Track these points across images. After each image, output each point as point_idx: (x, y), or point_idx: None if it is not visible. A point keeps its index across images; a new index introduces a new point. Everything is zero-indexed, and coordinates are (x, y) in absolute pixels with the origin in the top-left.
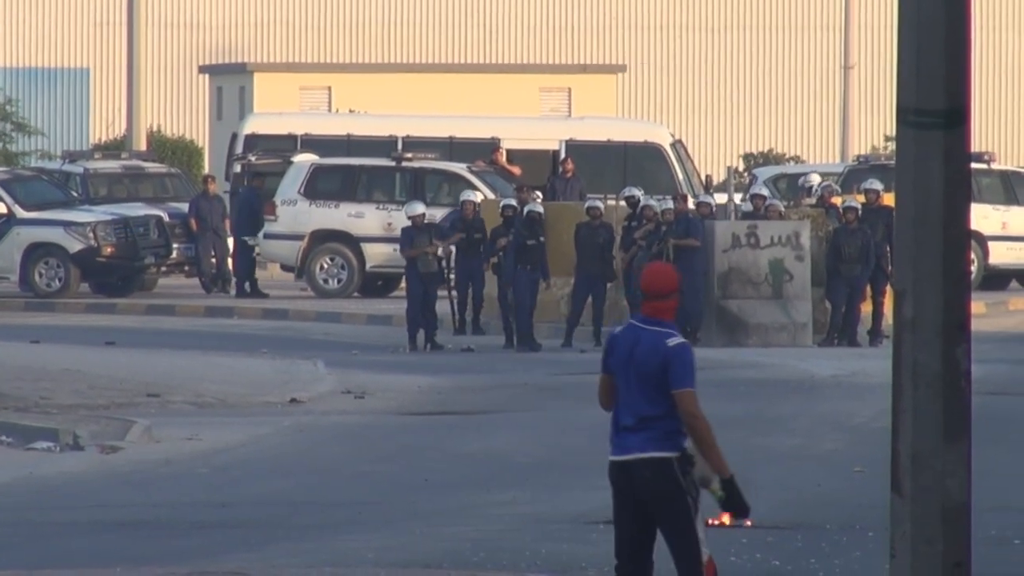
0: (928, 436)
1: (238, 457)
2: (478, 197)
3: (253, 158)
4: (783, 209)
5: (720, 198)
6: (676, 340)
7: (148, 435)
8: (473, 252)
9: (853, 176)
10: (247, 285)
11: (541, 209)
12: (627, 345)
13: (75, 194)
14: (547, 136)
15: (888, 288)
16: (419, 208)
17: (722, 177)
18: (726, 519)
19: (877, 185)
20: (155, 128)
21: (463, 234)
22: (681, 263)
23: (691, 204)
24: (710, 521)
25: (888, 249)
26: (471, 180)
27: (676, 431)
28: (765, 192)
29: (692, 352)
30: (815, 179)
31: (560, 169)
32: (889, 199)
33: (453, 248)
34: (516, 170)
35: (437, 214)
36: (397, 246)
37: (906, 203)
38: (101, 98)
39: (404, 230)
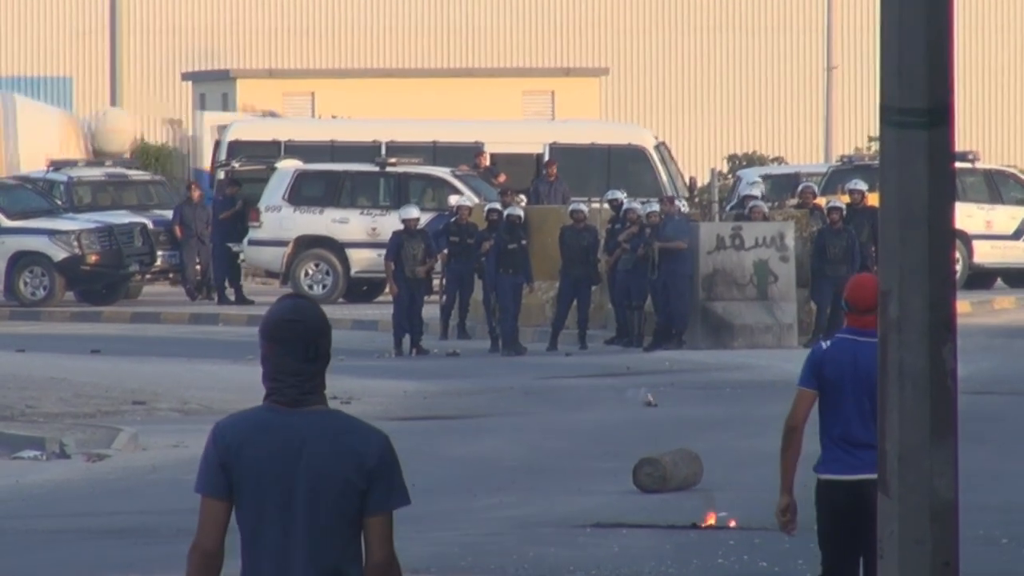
0: (915, 436)
1: None
2: (471, 202)
3: (237, 164)
4: (767, 210)
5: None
6: None
7: (134, 443)
8: (465, 257)
9: (837, 177)
10: (231, 292)
11: (521, 213)
12: (846, 359)
13: (59, 202)
14: (531, 140)
15: None
16: (414, 212)
17: (706, 179)
18: (712, 520)
19: (862, 185)
20: (138, 136)
21: (456, 237)
22: (666, 265)
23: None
24: (696, 524)
25: (873, 249)
26: (455, 184)
27: None
28: (758, 192)
29: None
30: (756, 191)
31: (544, 172)
32: (874, 199)
33: (446, 252)
34: (501, 177)
35: (422, 219)
36: (382, 251)
37: (890, 203)
38: (84, 106)
39: (394, 234)
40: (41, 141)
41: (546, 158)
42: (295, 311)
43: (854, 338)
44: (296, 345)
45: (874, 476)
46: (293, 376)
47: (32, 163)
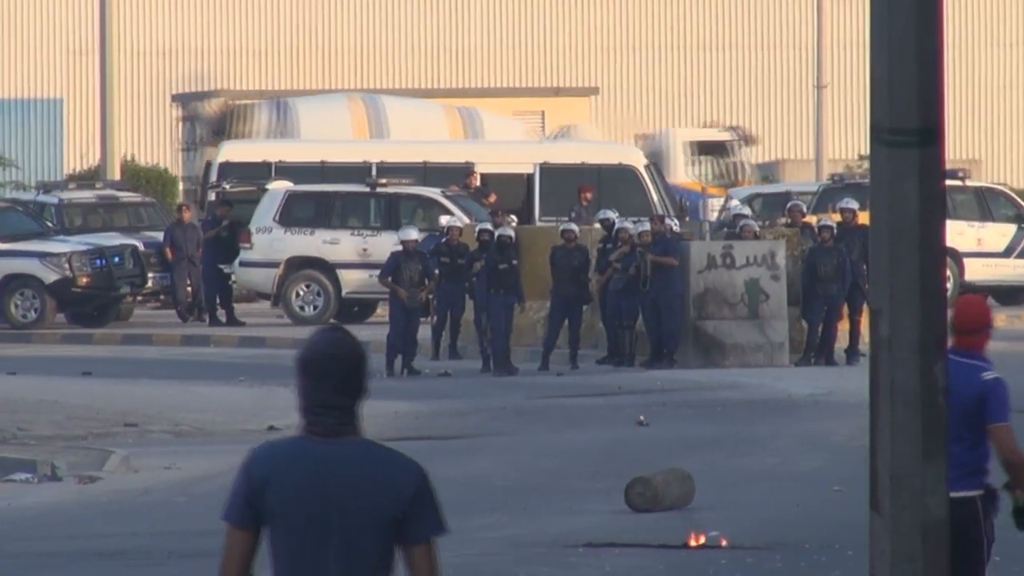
0: (906, 454)
1: (217, 485)
2: (461, 222)
3: (227, 186)
4: (758, 229)
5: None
6: (991, 374)
7: (126, 465)
8: (456, 277)
9: (828, 195)
10: (223, 314)
11: (512, 233)
12: None
13: (50, 225)
14: (521, 160)
15: (865, 306)
16: (412, 234)
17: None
18: (701, 539)
19: (853, 204)
20: (129, 157)
21: (447, 258)
22: (658, 282)
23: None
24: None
25: (865, 268)
26: (446, 205)
27: (979, 469)
28: (746, 212)
29: (1007, 387)
30: (735, 204)
31: (579, 197)
32: (865, 218)
33: (437, 272)
34: (492, 197)
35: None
36: (373, 272)
37: (881, 221)
38: (74, 128)
39: (393, 254)
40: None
41: (537, 177)
42: (334, 345)
43: (955, 359)
44: (334, 380)
45: (962, 494)
46: (331, 409)
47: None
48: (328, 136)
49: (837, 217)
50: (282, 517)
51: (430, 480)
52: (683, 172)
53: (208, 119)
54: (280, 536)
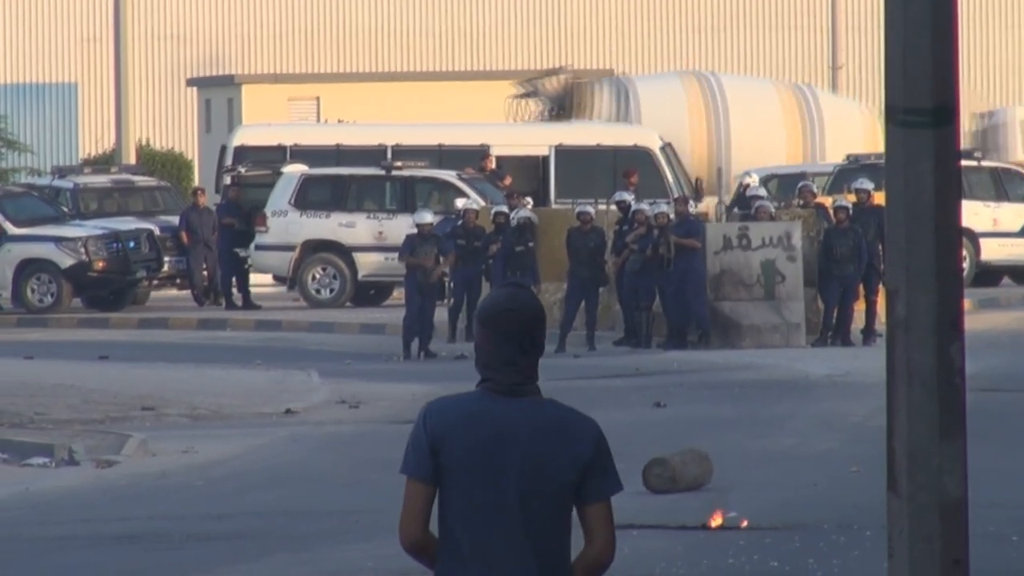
0: (924, 434)
1: (234, 469)
2: (477, 205)
3: (243, 170)
4: (773, 210)
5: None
6: None
7: (143, 449)
8: (472, 260)
9: (843, 176)
10: (239, 297)
11: (531, 215)
12: None
13: (65, 209)
14: (536, 142)
15: (881, 287)
16: (427, 217)
17: (712, 179)
18: (718, 519)
19: (868, 184)
20: (144, 142)
21: (463, 240)
22: (682, 264)
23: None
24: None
25: (881, 248)
26: (461, 187)
27: None
28: (763, 191)
29: None
30: (752, 180)
31: (624, 181)
32: (880, 198)
33: (453, 255)
34: (507, 180)
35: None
36: (389, 255)
37: (897, 202)
38: (89, 113)
39: (408, 237)
40: (843, 135)
41: (552, 160)
42: (513, 300)
43: None
44: (512, 335)
45: None
46: (508, 365)
47: (835, 155)
48: (666, 117)
49: (852, 198)
50: (459, 472)
51: (605, 437)
52: (1020, 151)
53: (551, 95)
54: (455, 494)
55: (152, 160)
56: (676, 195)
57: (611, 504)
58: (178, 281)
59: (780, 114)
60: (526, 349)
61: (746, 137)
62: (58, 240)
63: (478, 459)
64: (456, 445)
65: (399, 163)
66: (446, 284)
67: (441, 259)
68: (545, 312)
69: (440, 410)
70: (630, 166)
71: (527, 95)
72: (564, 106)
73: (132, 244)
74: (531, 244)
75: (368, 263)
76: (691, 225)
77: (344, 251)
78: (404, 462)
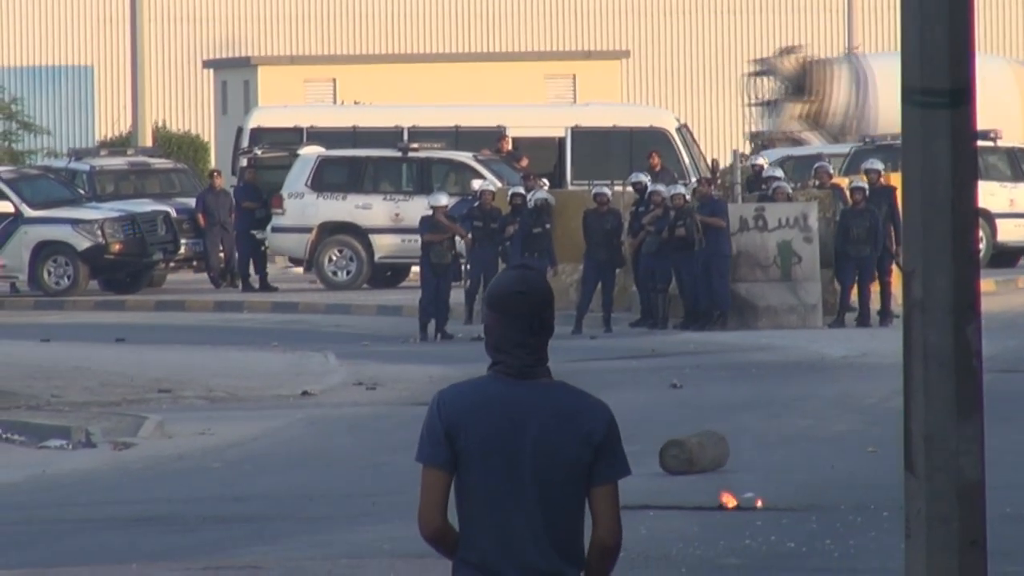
0: (940, 415)
1: (251, 451)
2: (494, 186)
3: (259, 152)
4: (790, 191)
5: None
6: None
7: (160, 431)
8: (489, 241)
9: (859, 156)
10: (256, 279)
11: (548, 197)
12: None
13: (82, 192)
14: (552, 123)
15: (893, 267)
16: (443, 200)
17: (728, 161)
18: (728, 498)
19: (878, 165)
20: (160, 124)
21: (480, 222)
22: (707, 245)
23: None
24: (724, 503)
25: (891, 229)
26: (478, 169)
27: None
28: (777, 172)
29: None
30: (764, 161)
31: (650, 164)
32: (891, 179)
33: (470, 236)
34: (524, 161)
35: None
36: (405, 237)
37: (913, 183)
38: (106, 95)
39: (423, 219)
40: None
41: (568, 141)
42: (522, 282)
43: None
44: (521, 317)
45: None
46: (518, 347)
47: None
48: (897, 96)
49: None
50: (475, 458)
51: (615, 421)
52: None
53: (786, 74)
54: (472, 478)
55: (168, 142)
56: (704, 176)
57: (618, 487)
58: (195, 263)
59: (1016, 92)
60: (536, 331)
61: (982, 116)
62: (75, 222)
63: (494, 444)
64: (472, 431)
65: (415, 145)
66: (462, 266)
67: (453, 245)
68: (554, 293)
69: (453, 397)
70: (648, 147)
71: (762, 74)
72: (801, 86)
73: (149, 226)
74: (548, 226)
75: (385, 245)
76: (715, 205)
77: (361, 233)
78: (419, 450)
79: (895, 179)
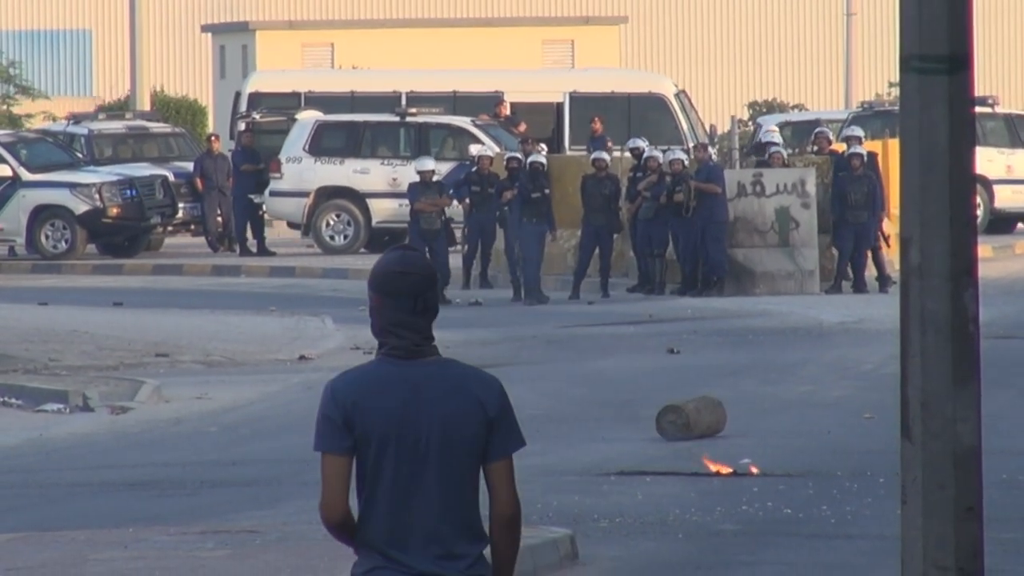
0: (937, 381)
1: (248, 415)
2: (492, 151)
3: (257, 116)
4: (787, 156)
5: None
6: None
7: (158, 395)
8: (486, 206)
9: (858, 122)
10: (253, 244)
11: (544, 160)
12: None
13: (80, 155)
14: (550, 89)
15: (880, 234)
16: (429, 164)
17: (726, 127)
18: (715, 466)
19: (857, 132)
20: (158, 88)
21: (477, 187)
22: (703, 211)
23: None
24: (715, 470)
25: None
26: (475, 134)
27: None
28: (777, 139)
29: None
30: (772, 133)
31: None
32: (872, 146)
33: (467, 201)
34: (522, 126)
35: (443, 168)
36: (403, 201)
37: (911, 149)
38: (104, 59)
39: (411, 185)
40: None
41: (567, 106)
42: (404, 263)
43: None
44: (405, 297)
45: None
46: (404, 328)
47: None
48: None
49: (868, 145)
50: (374, 442)
51: (507, 394)
52: None
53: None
54: (372, 462)
55: (166, 106)
56: (700, 142)
57: (512, 460)
58: (192, 227)
59: None
60: (420, 311)
61: None
62: (72, 186)
63: (393, 426)
64: (370, 415)
65: (413, 109)
66: (452, 231)
67: (446, 195)
68: (437, 274)
69: (347, 384)
70: (646, 113)
71: None
72: None
73: (147, 190)
74: (547, 191)
75: (382, 209)
76: (711, 171)
77: (358, 197)
78: (317, 440)
79: (892, 145)
